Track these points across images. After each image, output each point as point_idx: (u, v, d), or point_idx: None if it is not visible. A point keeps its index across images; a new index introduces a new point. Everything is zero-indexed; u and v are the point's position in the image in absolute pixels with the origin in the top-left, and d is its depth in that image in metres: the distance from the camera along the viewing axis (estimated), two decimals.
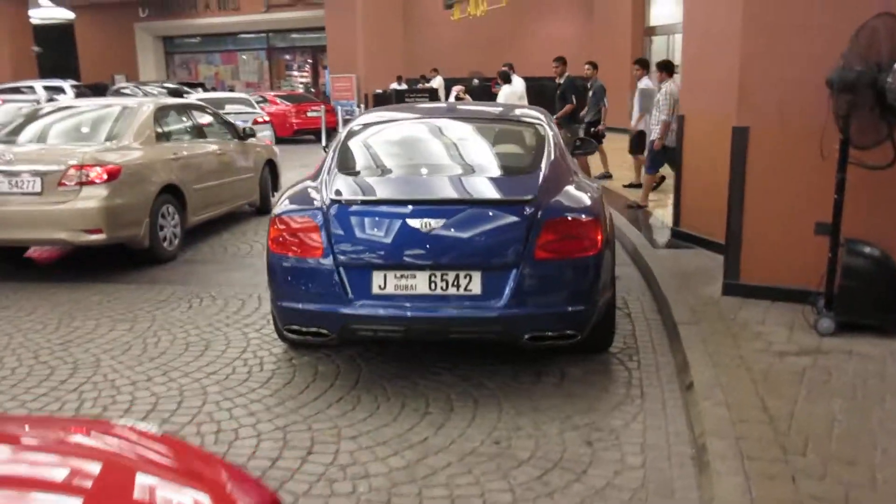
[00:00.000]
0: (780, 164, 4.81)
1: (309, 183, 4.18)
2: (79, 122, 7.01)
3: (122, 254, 6.63)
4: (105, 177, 5.99)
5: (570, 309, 3.69)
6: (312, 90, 29.08)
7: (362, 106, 19.98)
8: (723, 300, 5.04)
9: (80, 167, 5.93)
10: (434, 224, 3.58)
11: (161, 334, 4.90)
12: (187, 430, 3.57)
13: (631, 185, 10.11)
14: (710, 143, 6.09)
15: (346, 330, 3.72)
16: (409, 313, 3.60)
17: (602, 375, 4.15)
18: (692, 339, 4.29)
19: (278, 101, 20.09)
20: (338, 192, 3.84)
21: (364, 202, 3.78)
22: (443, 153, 4.51)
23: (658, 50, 19.26)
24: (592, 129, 10.78)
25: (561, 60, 10.85)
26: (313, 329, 3.77)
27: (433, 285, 3.61)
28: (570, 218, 3.76)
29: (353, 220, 3.71)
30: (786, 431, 3.20)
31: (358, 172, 4.21)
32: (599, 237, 3.74)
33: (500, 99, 10.80)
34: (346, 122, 4.98)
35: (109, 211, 6.02)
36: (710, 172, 6.04)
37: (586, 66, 11.02)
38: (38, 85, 22.43)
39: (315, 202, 3.87)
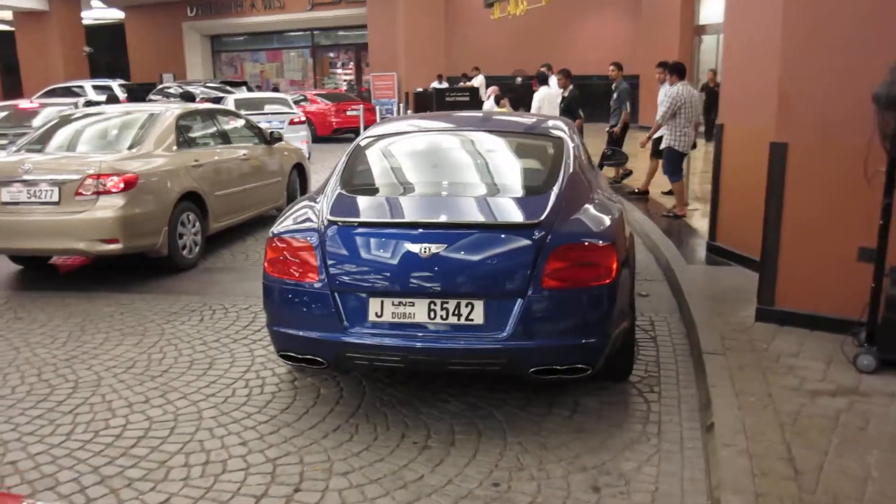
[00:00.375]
0: (820, 183, 4.46)
1: (310, 201, 4.00)
2: (102, 130, 6.98)
3: (143, 261, 6.58)
4: (122, 186, 5.93)
5: (580, 341, 3.43)
6: (356, 87, 29.15)
7: (401, 105, 19.88)
8: (755, 327, 4.70)
9: (97, 176, 5.88)
10: (434, 249, 3.36)
11: (167, 350, 4.79)
12: (175, 460, 3.42)
13: (661, 193, 9.69)
14: (749, 156, 5.72)
15: (341, 358, 3.53)
16: (406, 343, 3.39)
17: (618, 408, 3.87)
18: (718, 373, 3.98)
19: (319, 99, 20.12)
20: (335, 213, 3.65)
21: (361, 224, 3.58)
22: (450, 171, 4.28)
23: (708, 49, 18.69)
24: (607, 130, 10.43)
25: (565, 73, 10.46)
26: (308, 356, 3.59)
27: (433, 314, 3.39)
28: (582, 243, 3.50)
29: (350, 242, 3.51)
30: (812, 489, 2.89)
31: (359, 191, 4.02)
32: (614, 265, 3.47)
33: (536, 100, 10.47)
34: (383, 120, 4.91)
35: (126, 220, 5.96)
36: (748, 186, 5.68)
37: (611, 68, 10.62)
38: (88, 85, 22.91)
39: (312, 223, 3.68)
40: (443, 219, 3.54)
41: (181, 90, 17.02)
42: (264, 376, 4.35)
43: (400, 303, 3.41)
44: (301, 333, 3.55)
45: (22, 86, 29.10)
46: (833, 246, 4.44)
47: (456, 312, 3.37)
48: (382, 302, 3.43)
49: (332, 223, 3.59)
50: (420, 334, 3.39)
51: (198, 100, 17.37)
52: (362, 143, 4.46)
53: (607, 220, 3.72)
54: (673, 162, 8.42)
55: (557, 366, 3.42)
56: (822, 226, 4.49)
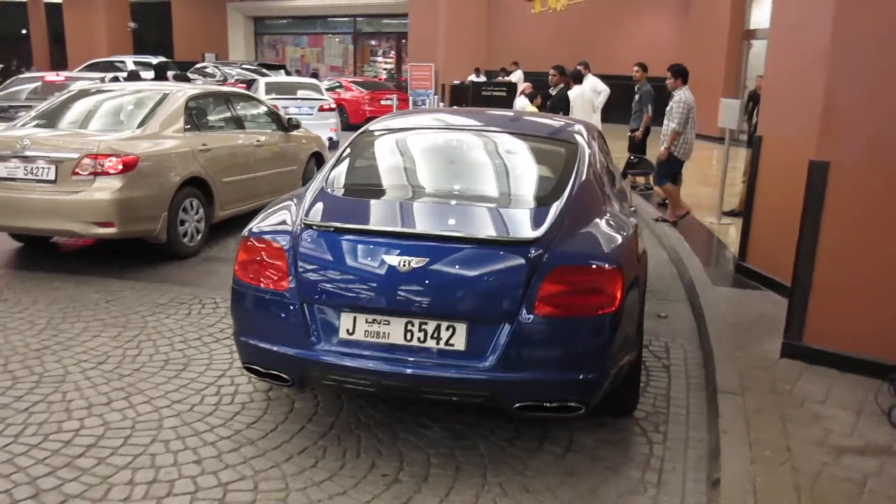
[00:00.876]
0: (863, 208, 4.00)
1: (292, 199, 3.67)
2: (110, 108, 6.74)
3: (143, 246, 6.34)
4: (120, 167, 5.68)
5: (574, 377, 3.05)
6: (396, 76, 28.85)
7: (437, 97, 19.51)
8: (780, 364, 4.26)
9: (95, 156, 5.64)
10: (414, 263, 3.00)
11: (144, 346, 4.51)
12: (120, 476, 3.12)
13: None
14: (787, 173, 5.25)
15: (307, 377, 3.20)
16: (378, 366, 3.03)
17: (616, 449, 3.48)
18: (732, 416, 3.56)
19: (353, 87, 19.86)
20: (310, 215, 3.32)
21: (337, 230, 3.23)
22: (447, 175, 3.90)
23: (757, 55, 17.95)
24: (629, 134, 9.94)
25: (559, 69, 9.94)
26: (272, 372, 3.26)
27: (409, 335, 3.03)
28: (583, 266, 3.10)
29: (323, 249, 3.17)
30: None
31: (343, 191, 3.67)
32: (619, 292, 3.07)
33: (570, 100, 9.99)
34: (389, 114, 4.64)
35: (122, 204, 5.71)
36: (783, 205, 5.21)
37: (635, 68, 10.12)
38: (130, 60, 22.97)
39: (287, 224, 3.35)
40: (426, 229, 3.18)
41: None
42: (239, 383, 4.04)
43: (374, 320, 3.05)
44: (266, 346, 3.22)
45: (67, 58, 29.41)
46: (873, 279, 3.98)
47: (435, 335, 3.01)
48: (355, 318, 3.08)
49: (306, 226, 3.25)
50: (394, 357, 3.03)
51: (229, 82, 17.27)
52: (358, 138, 4.12)
53: (616, 239, 3.32)
54: (669, 167, 7.97)
55: (546, 402, 3.04)
56: (863, 256, 4.03)
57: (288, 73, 23.57)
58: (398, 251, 3.04)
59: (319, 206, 3.41)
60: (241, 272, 3.34)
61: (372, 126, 4.31)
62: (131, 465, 3.21)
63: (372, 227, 3.22)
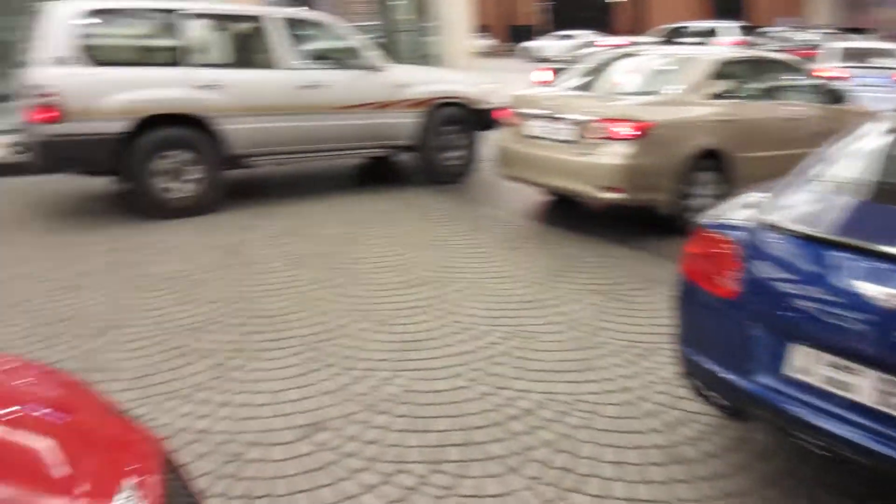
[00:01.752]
0: None
1: (771, 187, 2.98)
2: (639, 72, 6.68)
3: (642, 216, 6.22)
4: (633, 133, 5.60)
5: None
6: None
7: None
8: None
9: (609, 120, 5.66)
10: None
11: (617, 320, 4.38)
12: (540, 453, 3.05)
13: None
14: None
15: (741, 411, 2.60)
16: (831, 427, 2.26)
17: None
18: None
19: None
20: (771, 210, 2.64)
21: (805, 237, 2.47)
22: None
23: None
24: None
25: None
26: (712, 393, 2.74)
27: (884, 398, 2.17)
28: None
29: (784, 258, 2.49)
30: None
31: (837, 186, 2.78)
32: None
33: None
34: None
35: (631, 170, 5.66)
36: None
37: None
38: (705, 25, 22.82)
39: (750, 219, 2.72)
40: None
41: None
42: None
43: (834, 364, 2.28)
44: (699, 360, 2.72)
45: (646, 20, 31.08)
46: None
47: None
48: (811, 354, 2.35)
49: (768, 226, 2.60)
50: (857, 421, 2.22)
51: (787, 48, 15.76)
52: (892, 112, 3.15)
53: None
54: None
55: None
56: None
57: (881, 39, 20.48)
58: (884, 278, 2.18)
59: (791, 201, 2.70)
60: (688, 266, 2.88)
61: None
62: (554, 446, 3.11)
63: (857, 241, 2.35)
